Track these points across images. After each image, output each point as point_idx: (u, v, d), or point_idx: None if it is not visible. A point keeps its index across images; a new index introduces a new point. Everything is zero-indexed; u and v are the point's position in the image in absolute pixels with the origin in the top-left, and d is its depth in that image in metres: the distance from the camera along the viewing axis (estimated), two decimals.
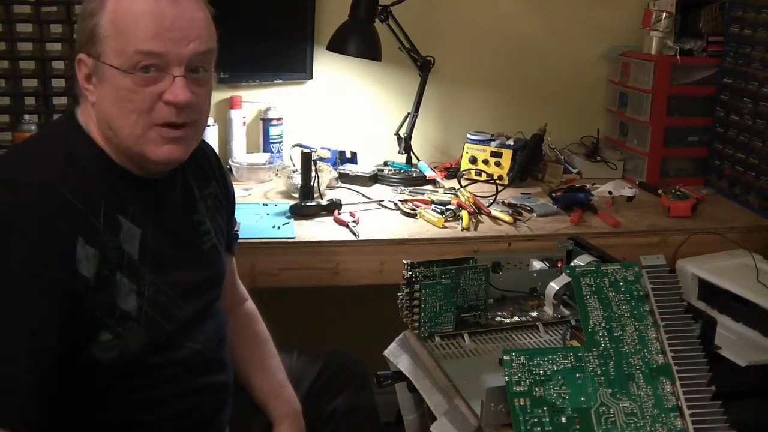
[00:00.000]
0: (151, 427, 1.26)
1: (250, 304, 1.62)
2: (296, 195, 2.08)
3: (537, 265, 1.54)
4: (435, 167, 2.39)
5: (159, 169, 1.26)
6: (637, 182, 2.41)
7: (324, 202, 2.03)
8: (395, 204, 2.08)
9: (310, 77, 2.46)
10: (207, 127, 2.22)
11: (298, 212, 1.98)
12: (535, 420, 1.03)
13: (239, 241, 1.63)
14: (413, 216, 2.02)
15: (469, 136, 2.40)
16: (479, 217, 2.01)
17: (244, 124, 2.41)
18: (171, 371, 1.26)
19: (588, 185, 2.24)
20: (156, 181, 1.28)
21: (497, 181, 2.26)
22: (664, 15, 2.38)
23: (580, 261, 1.45)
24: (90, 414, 1.21)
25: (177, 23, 1.17)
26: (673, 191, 2.18)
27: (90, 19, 1.18)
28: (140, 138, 1.19)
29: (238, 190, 2.16)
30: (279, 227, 1.89)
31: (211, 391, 1.35)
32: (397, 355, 1.41)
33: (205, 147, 1.47)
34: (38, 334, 1.09)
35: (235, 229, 1.57)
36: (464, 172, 2.34)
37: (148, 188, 1.27)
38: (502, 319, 1.40)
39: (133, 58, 1.15)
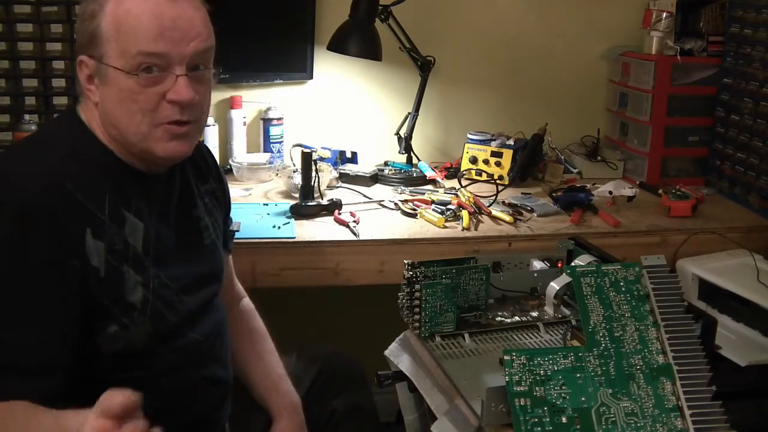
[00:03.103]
0: (151, 422, 1.25)
1: (248, 302, 1.63)
2: (296, 195, 2.08)
3: (537, 265, 1.54)
4: (435, 167, 2.38)
5: (165, 164, 1.28)
6: (638, 182, 2.41)
7: (324, 202, 2.02)
8: (395, 204, 2.08)
9: (311, 77, 2.46)
10: (207, 127, 2.26)
11: (299, 212, 1.98)
12: (536, 420, 1.03)
13: (240, 240, 1.63)
14: (413, 216, 2.02)
15: (470, 136, 2.40)
16: (480, 217, 2.01)
17: (245, 124, 2.41)
18: (171, 361, 1.27)
19: (588, 185, 2.24)
20: (157, 177, 1.29)
21: (497, 181, 2.26)
22: (664, 15, 2.38)
23: (581, 261, 1.45)
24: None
25: (177, 23, 1.18)
26: (673, 191, 2.17)
27: (90, 21, 1.18)
28: (147, 136, 1.20)
29: (239, 190, 2.17)
30: (279, 227, 1.89)
31: (210, 385, 1.35)
32: (397, 355, 1.42)
33: (200, 145, 1.47)
34: (57, 321, 1.12)
35: (232, 227, 1.57)
36: (464, 172, 2.34)
37: (150, 183, 1.28)
38: (502, 319, 1.40)
39: (136, 59, 1.16)
